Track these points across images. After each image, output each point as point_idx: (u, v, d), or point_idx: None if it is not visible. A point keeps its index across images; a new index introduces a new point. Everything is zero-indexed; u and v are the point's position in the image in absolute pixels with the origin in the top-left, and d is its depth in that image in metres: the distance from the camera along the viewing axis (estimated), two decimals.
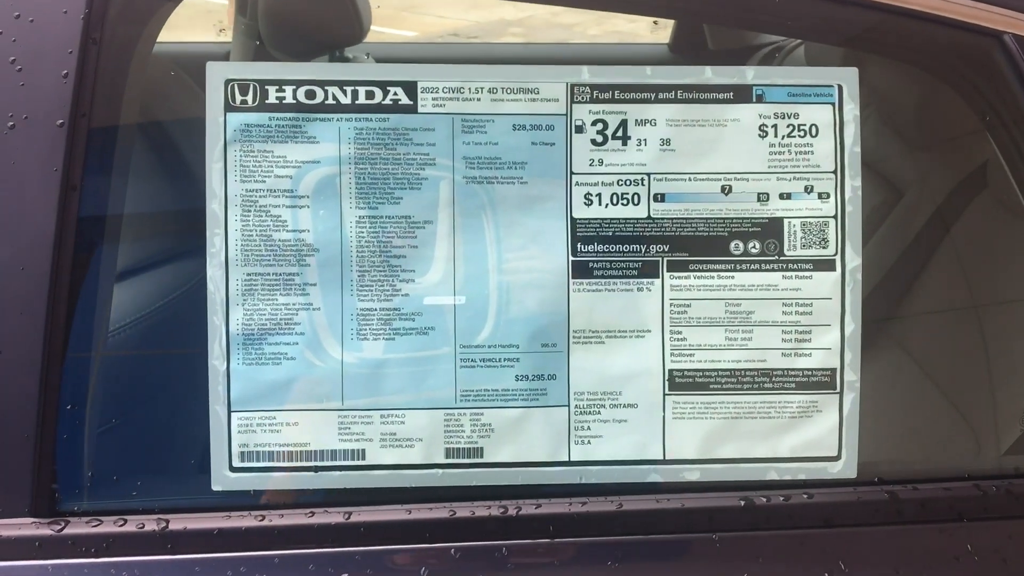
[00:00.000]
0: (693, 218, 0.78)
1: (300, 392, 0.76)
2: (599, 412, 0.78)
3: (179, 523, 0.72)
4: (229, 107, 0.75)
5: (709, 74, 0.78)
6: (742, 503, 0.76)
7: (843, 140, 0.78)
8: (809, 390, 0.79)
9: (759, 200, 0.78)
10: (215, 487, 0.75)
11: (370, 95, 0.76)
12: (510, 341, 0.77)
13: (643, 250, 0.78)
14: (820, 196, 0.78)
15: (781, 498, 0.77)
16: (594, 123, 0.77)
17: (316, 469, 0.76)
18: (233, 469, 0.76)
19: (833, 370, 0.79)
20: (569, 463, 0.78)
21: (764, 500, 0.77)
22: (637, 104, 0.77)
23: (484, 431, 0.77)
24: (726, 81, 0.78)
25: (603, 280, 0.77)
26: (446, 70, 0.76)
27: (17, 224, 0.70)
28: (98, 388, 0.77)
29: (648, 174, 0.78)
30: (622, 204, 0.78)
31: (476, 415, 0.77)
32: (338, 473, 0.76)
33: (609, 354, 0.78)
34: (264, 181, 0.75)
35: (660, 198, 0.78)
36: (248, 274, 0.75)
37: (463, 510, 0.74)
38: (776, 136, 0.78)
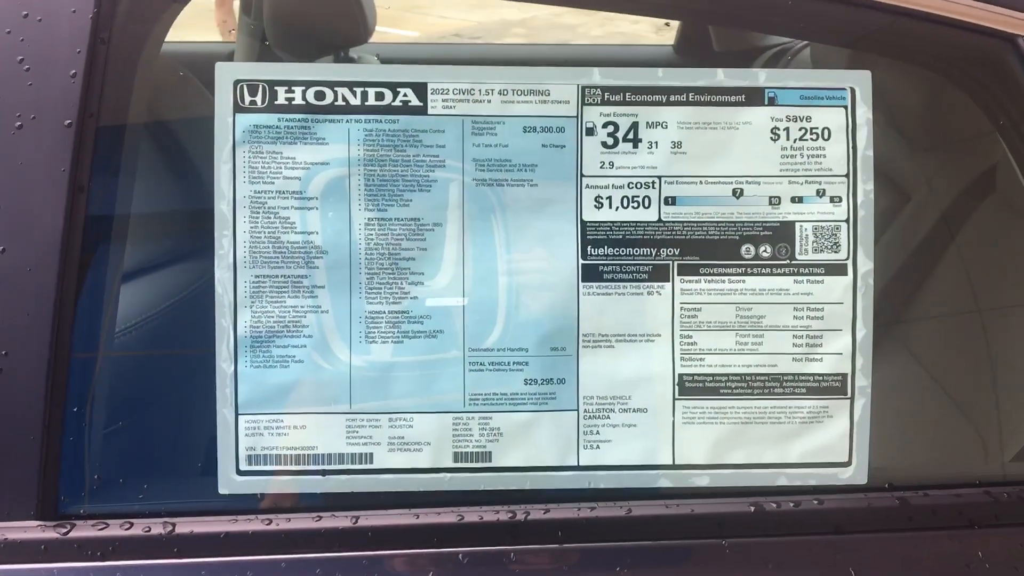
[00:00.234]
0: (704, 221, 0.77)
1: (308, 395, 0.75)
2: (608, 416, 0.77)
3: (185, 526, 0.72)
4: (238, 108, 0.74)
5: (721, 76, 0.77)
6: (752, 509, 0.76)
7: (855, 143, 0.78)
8: (820, 395, 0.78)
9: (771, 204, 0.78)
10: (222, 490, 0.75)
11: (380, 96, 0.75)
12: (519, 344, 0.77)
13: (653, 253, 0.77)
14: (832, 200, 0.78)
15: (791, 504, 0.77)
16: (605, 125, 0.77)
17: (324, 472, 0.76)
18: (240, 472, 0.75)
19: (844, 375, 0.78)
20: (578, 468, 0.77)
21: (774, 506, 0.76)
22: (648, 106, 0.77)
23: (493, 435, 0.77)
24: (738, 84, 0.77)
25: (613, 283, 0.77)
26: (456, 71, 0.76)
27: (24, 225, 0.70)
28: (104, 390, 0.76)
29: (659, 177, 0.77)
30: (632, 207, 0.77)
31: (485, 419, 0.76)
32: (346, 477, 0.76)
33: (619, 358, 0.77)
34: (273, 182, 0.74)
35: (671, 201, 0.77)
36: (256, 276, 0.75)
37: (471, 515, 0.74)
38: (788, 139, 0.78)
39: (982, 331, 1.02)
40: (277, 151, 0.74)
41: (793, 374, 0.78)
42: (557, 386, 0.77)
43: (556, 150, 0.77)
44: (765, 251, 0.78)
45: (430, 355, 0.76)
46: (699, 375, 0.78)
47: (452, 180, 0.76)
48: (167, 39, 0.85)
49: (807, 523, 0.76)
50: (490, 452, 0.77)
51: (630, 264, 0.77)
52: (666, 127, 0.77)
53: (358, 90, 0.75)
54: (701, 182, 0.77)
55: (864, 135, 0.78)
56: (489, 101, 0.76)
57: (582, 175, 0.77)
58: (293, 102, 0.75)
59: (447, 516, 0.74)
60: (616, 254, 0.77)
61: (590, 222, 0.77)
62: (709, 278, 0.77)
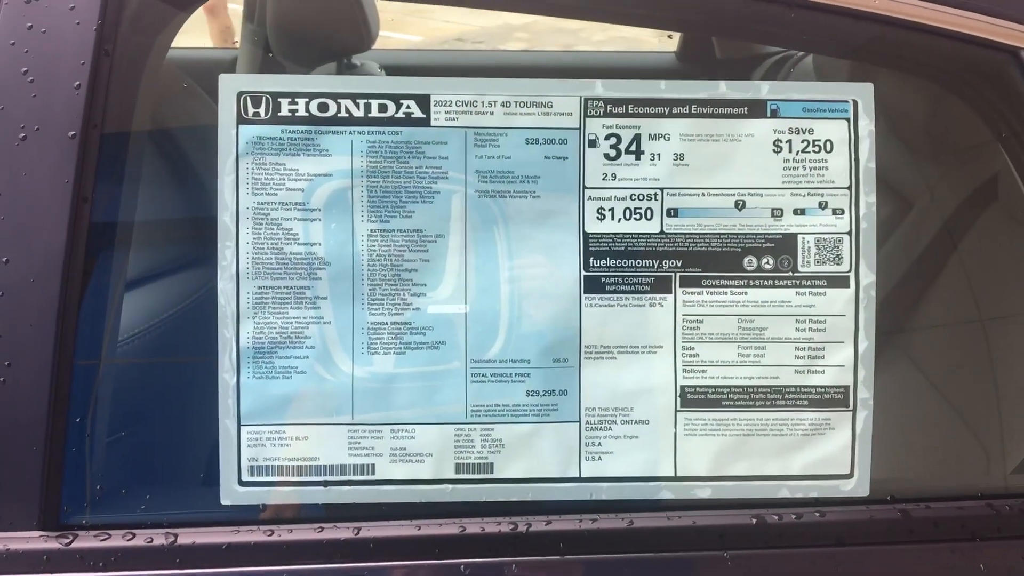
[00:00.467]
0: (706, 233, 0.77)
1: (310, 406, 0.75)
2: (610, 428, 0.77)
3: (188, 537, 0.72)
4: (241, 119, 0.74)
5: (723, 89, 0.78)
6: (754, 521, 0.76)
7: (858, 156, 0.78)
8: (822, 407, 0.78)
9: (773, 216, 0.78)
10: (224, 501, 0.75)
11: (383, 108, 0.75)
12: (521, 356, 0.77)
13: (656, 265, 0.77)
14: (834, 212, 0.78)
15: (793, 516, 0.76)
16: (607, 137, 0.77)
17: (326, 484, 0.76)
18: (242, 483, 0.75)
19: (846, 387, 0.78)
20: (580, 479, 0.77)
21: (776, 518, 0.76)
22: (651, 119, 0.77)
23: (494, 446, 0.77)
24: (740, 96, 0.77)
25: (615, 295, 0.77)
26: (459, 83, 0.76)
27: (28, 236, 0.70)
28: (106, 400, 0.76)
29: (661, 189, 0.77)
30: (635, 219, 0.77)
31: (487, 430, 0.76)
32: (347, 488, 0.76)
33: (621, 370, 0.77)
34: (276, 194, 0.75)
35: (673, 213, 0.77)
36: (259, 287, 0.75)
37: (473, 526, 0.74)
38: (790, 151, 0.78)
39: (984, 341, 1.02)
40: (280, 163, 0.75)
41: (795, 386, 0.78)
42: (559, 397, 0.77)
43: (558, 162, 0.77)
44: (767, 263, 0.78)
45: (432, 366, 0.76)
46: (701, 387, 0.78)
47: (455, 192, 0.76)
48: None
49: (809, 535, 0.76)
50: (492, 463, 0.77)
51: (632, 276, 0.77)
52: (668, 139, 0.77)
53: (361, 102, 0.75)
54: (703, 194, 0.77)
55: (866, 147, 0.78)
56: (492, 113, 0.76)
57: (584, 187, 0.77)
58: (296, 114, 0.75)
59: (449, 528, 0.74)
60: (618, 266, 0.77)
61: (592, 234, 0.77)
62: (711, 290, 0.77)
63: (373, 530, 0.73)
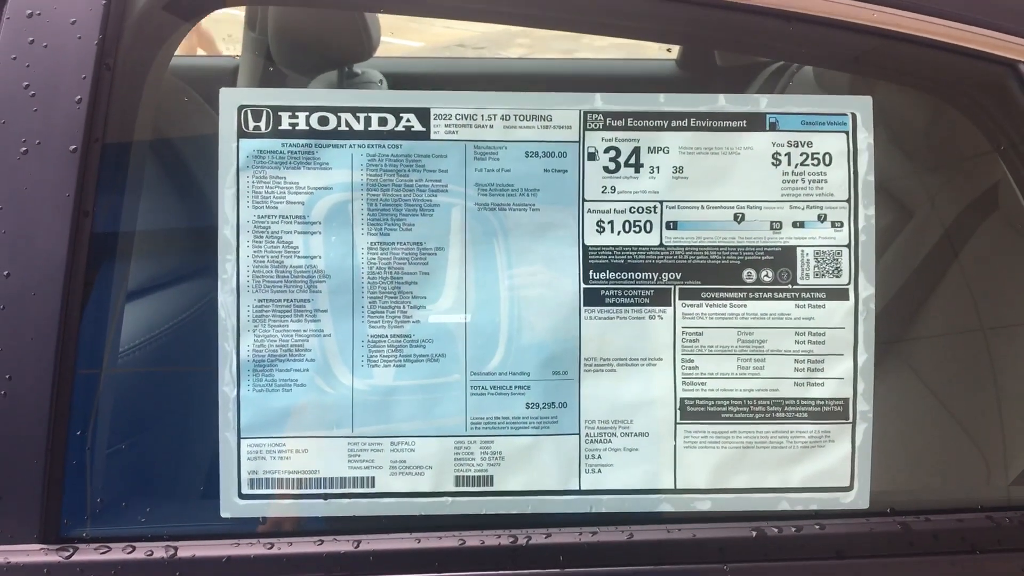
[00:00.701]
0: (705, 246, 0.77)
1: (310, 419, 0.75)
2: (610, 441, 0.77)
3: (188, 550, 0.72)
4: (242, 133, 0.75)
5: (722, 102, 0.78)
6: (753, 534, 0.76)
7: (856, 169, 0.78)
8: (821, 420, 0.78)
9: (772, 228, 0.78)
10: (224, 514, 0.75)
11: (383, 122, 0.75)
12: (521, 368, 0.77)
13: (655, 278, 0.77)
14: (833, 225, 0.78)
15: (793, 529, 0.76)
16: (607, 150, 0.77)
17: (325, 496, 0.76)
18: (242, 496, 0.75)
19: (846, 400, 0.78)
20: (580, 492, 0.77)
21: (776, 531, 0.76)
22: (650, 132, 0.77)
23: (494, 459, 0.77)
24: (739, 109, 0.78)
25: (615, 308, 0.77)
26: (459, 97, 0.76)
27: (29, 250, 0.70)
28: (107, 413, 0.76)
29: (660, 202, 0.77)
30: (634, 232, 0.77)
31: (486, 443, 0.77)
32: (347, 501, 0.76)
33: (620, 382, 0.77)
34: (276, 207, 0.75)
35: (672, 226, 0.77)
36: (259, 300, 0.75)
37: (473, 539, 0.74)
38: (789, 164, 0.78)
39: (985, 350, 1.02)
40: (281, 176, 0.75)
41: (795, 399, 0.78)
42: (559, 410, 0.77)
43: (558, 175, 0.77)
44: (767, 276, 0.78)
45: (432, 379, 0.76)
46: (701, 399, 0.78)
47: (454, 205, 0.76)
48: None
49: (809, 548, 0.76)
50: (492, 476, 0.77)
51: (632, 288, 0.77)
52: (668, 152, 0.77)
53: (361, 115, 0.75)
54: (703, 207, 0.78)
55: (865, 160, 0.78)
56: (491, 126, 0.76)
57: (584, 200, 0.77)
58: (297, 127, 0.75)
59: (449, 540, 0.74)
60: (618, 278, 0.77)
61: (592, 246, 0.77)
62: (711, 302, 0.78)
63: (373, 543, 0.73)
